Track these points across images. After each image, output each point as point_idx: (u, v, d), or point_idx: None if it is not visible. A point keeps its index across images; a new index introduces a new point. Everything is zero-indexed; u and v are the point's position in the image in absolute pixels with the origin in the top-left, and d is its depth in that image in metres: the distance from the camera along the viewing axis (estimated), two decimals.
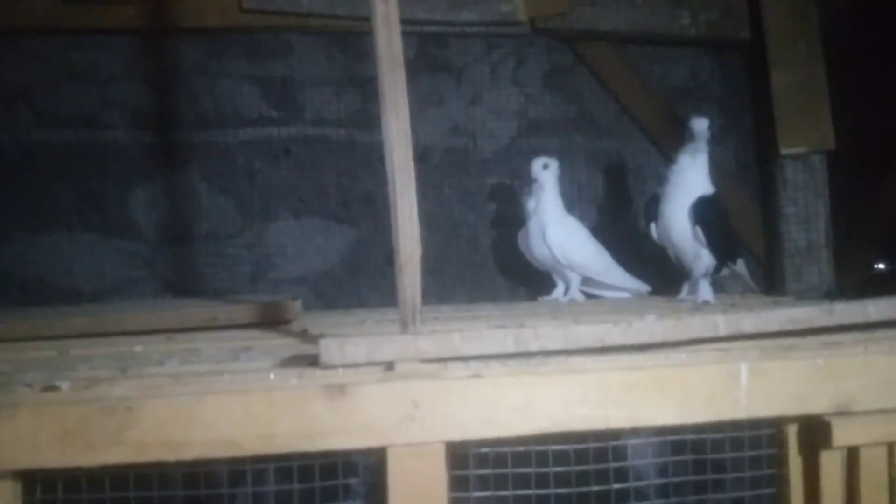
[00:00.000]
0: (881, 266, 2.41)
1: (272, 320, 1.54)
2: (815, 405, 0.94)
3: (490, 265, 2.44)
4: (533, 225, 2.06)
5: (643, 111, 2.49)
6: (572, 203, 2.40)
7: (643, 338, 0.99)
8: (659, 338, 1.00)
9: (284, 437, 0.83)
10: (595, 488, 0.95)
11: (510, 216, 2.38)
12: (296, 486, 0.89)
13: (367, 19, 2.29)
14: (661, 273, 2.48)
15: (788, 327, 1.04)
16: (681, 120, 2.50)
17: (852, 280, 2.16)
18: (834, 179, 2.37)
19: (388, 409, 0.85)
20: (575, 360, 0.95)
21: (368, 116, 2.37)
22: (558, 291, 2.14)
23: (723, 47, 2.50)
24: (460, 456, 0.94)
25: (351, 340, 0.92)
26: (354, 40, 2.35)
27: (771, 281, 2.43)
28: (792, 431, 0.99)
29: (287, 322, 1.58)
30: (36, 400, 0.83)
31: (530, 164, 2.07)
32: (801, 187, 2.36)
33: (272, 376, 0.88)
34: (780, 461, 0.99)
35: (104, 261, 2.27)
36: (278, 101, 2.33)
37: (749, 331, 1.02)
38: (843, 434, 0.94)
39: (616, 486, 0.96)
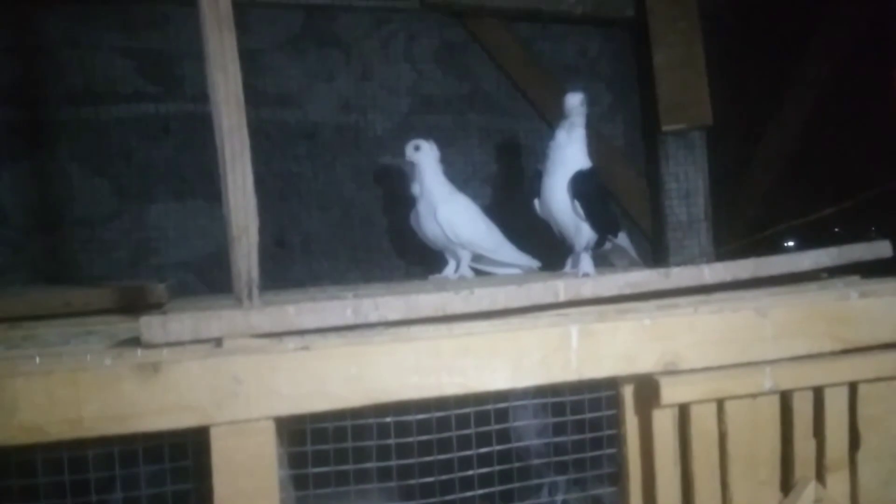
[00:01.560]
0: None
1: (134, 305, 1.46)
2: (644, 365, 0.97)
3: (385, 245, 2.43)
4: (422, 205, 2.05)
5: (535, 88, 2.52)
6: (466, 181, 2.42)
7: (485, 305, 0.99)
8: (500, 305, 1.00)
9: (93, 420, 0.79)
10: (439, 457, 0.95)
11: (404, 195, 2.36)
12: (118, 472, 0.84)
13: None
14: (552, 248, 2.54)
15: (627, 291, 1.07)
16: None
17: (727, 249, 2.26)
18: (713, 155, 2.48)
19: (207, 386, 0.82)
20: (412, 330, 0.94)
21: (253, 91, 2.28)
22: (449, 269, 2.14)
23: (609, 25, 2.55)
24: (297, 432, 0.92)
25: (175, 317, 0.88)
26: (236, 13, 2.26)
27: (656, 254, 2.52)
28: (628, 392, 1.02)
29: (156, 307, 1.51)
30: None
31: (414, 145, 2.05)
32: (681, 163, 2.45)
33: (88, 357, 0.83)
34: (618, 421, 1.02)
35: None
36: (156, 76, 2.22)
37: (588, 296, 1.04)
38: (672, 392, 0.98)
39: (458, 454, 0.96)
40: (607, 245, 2.06)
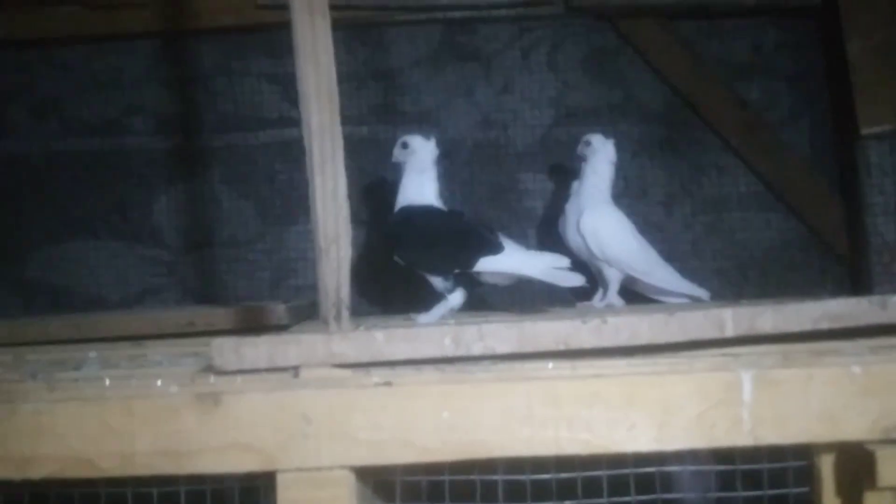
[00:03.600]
0: None
1: (256, 325, 1.41)
2: (852, 429, 0.69)
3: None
4: (570, 210, 1.84)
5: (699, 93, 2.22)
6: (618, 197, 2.16)
7: (622, 339, 0.77)
8: (643, 339, 0.77)
9: (145, 455, 0.68)
10: None
11: (547, 214, 2.17)
12: None
13: (388, 8, 2.20)
14: (720, 274, 2.19)
15: (824, 326, 0.79)
16: (742, 101, 2.22)
17: None
18: None
19: (273, 424, 0.68)
20: (525, 367, 0.75)
21: (391, 111, 2.24)
22: (597, 296, 1.89)
23: (789, 15, 2.20)
24: (384, 485, 0.76)
25: (248, 341, 0.76)
26: (375, 32, 2.23)
27: (856, 283, 2.09)
28: (826, 465, 0.74)
29: (278, 328, 1.45)
30: None
31: (584, 139, 1.85)
32: (888, 172, 2.03)
33: (159, 383, 0.74)
34: (812, 501, 0.75)
35: (129, 268, 2.25)
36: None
37: (767, 330, 0.78)
38: (893, 469, 0.68)
39: None
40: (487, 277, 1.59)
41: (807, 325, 0.78)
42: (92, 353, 1.16)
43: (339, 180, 0.82)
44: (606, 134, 1.86)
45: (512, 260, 1.53)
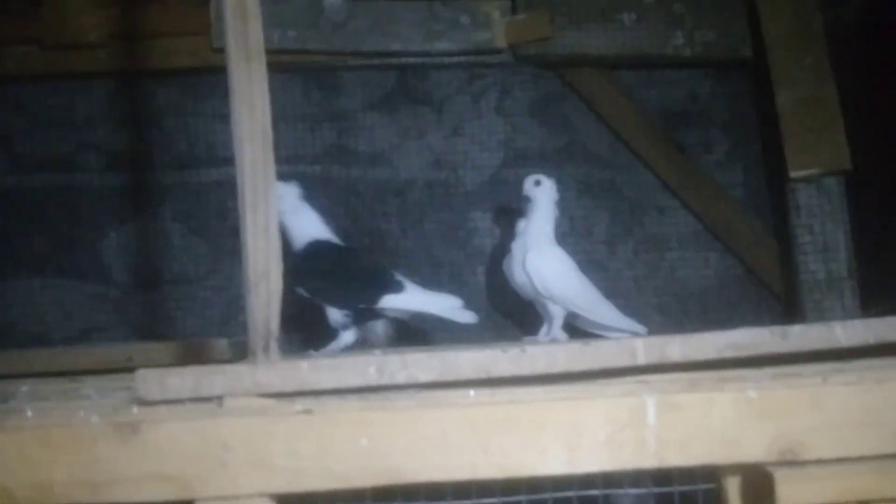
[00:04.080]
0: None
1: (198, 361, 1.41)
2: (751, 452, 0.73)
3: (477, 306, 2.27)
4: (516, 250, 1.90)
5: (639, 139, 2.33)
6: (564, 236, 2.23)
7: (539, 367, 0.81)
8: (560, 367, 0.81)
9: (63, 485, 0.68)
10: None
11: (495, 252, 2.22)
12: None
13: (342, 53, 2.27)
14: (663, 312, 2.26)
15: (729, 355, 0.84)
16: (680, 146, 2.33)
17: (879, 311, 1.89)
18: (856, 203, 2.14)
19: (192, 453, 0.69)
20: (444, 395, 0.78)
21: (344, 151, 2.29)
22: (543, 331, 1.94)
23: (723, 67, 2.33)
24: None
25: (173, 371, 0.78)
26: (331, 76, 2.29)
27: (791, 317, 2.17)
28: (732, 486, 0.77)
29: (223, 362, 1.45)
30: None
31: (524, 181, 1.91)
32: (816, 213, 2.13)
33: (81, 413, 0.74)
34: None
35: (74, 306, 2.22)
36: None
37: (676, 359, 0.82)
38: (791, 490, 0.72)
39: None
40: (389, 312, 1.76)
41: (712, 354, 0.83)
42: (24, 387, 1.14)
43: (270, 218, 0.85)
44: (549, 175, 1.93)
45: (413, 298, 1.71)
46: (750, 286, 2.26)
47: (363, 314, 1.69)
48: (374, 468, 0.70)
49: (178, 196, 2.26)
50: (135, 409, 0.77)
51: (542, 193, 1.89)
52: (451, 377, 0.80)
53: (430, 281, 2.26)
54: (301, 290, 1.69)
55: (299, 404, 0.76)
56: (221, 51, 2.29)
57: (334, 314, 1.70)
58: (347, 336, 1.69)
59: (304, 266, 1.69)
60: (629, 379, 0.84)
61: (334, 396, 0.79)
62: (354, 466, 0.70)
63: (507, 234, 2.03)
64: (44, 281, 2.22)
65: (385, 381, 0.79)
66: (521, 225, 1.92)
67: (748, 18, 2.27)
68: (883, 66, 2.12)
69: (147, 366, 1.32)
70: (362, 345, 1.76)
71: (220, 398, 0.77)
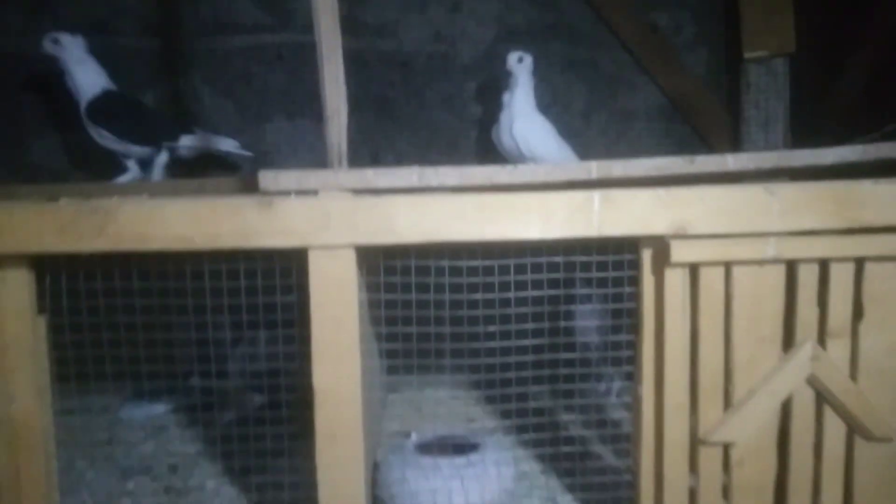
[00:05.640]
0: None
1: (250, 190, 1.78)
2: (657, 228, 1.15)
3: (469, 163, 2.65)
4: (503, 118, 2.24)
5: (618, 19, 2.62)
6: (547, 107, 2.58)
7: (527, 178, 1.21)
8: (540, 178, 1.21)
9: (226, 235, 1.09)
10: (486, 296, 1.20)
11: (485, 119, 2.57)
12: (242, 282, 1.16)
13: None
14: None
15: (653, 173, 1.24)
16: (654, 27, 2.63)
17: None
18: (795, 83, 2.49)
19: (306, 218, 1.10)
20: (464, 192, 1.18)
21: (356, 23, 2.56)
22: None
23: None
24: (374, 266, 1.19)
25: (284, 172, 1.17)
26: None
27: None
28: (647, 254, 1.21)
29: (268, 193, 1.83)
30: (41, 205, 1.10)
31: (507, 57, 2.22)
32: (762, 90, 2.50)
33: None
34: (637, 280, 1.22)
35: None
36: (271, 9, 2.53)
37: (618, 175, 1.23)
38: (681, 252, 1.16)
39: (499, 295, 1.20)
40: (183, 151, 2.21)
41: (642, 172, 1.23)
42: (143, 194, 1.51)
43: (339, 69, 1.20)
44: (531, 52, 2.25)
45: (204, 139, 2.22)
46: (703, 154, 2.65)
47: (156, 153, 2.12)
48: (421, 230, 1.11)
49: (207, 61, 2.53)
50: (256, 196, 1.16)
51: (524, 68, 2.21)
52: (467, 182, 1.20)
53: (430, 143, 2.63)
54: (103, 132, 2.08)
55: (368, 195, 1.15)
56: None
57: (131, 151, 2.11)
58: (134, 171, 2.13)
59: (106, 110, 2.07)
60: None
61: (388, 193, 1.19)
62: (410, 229, 1.11)
63: (496, 105, 2.36)
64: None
65: (423, 183, 1.19)
66: (506, 97, 2.25)
67: None
68: None
69: (216, 194, 1.70)
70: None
71: (315, 191, 1.17)
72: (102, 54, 2.48)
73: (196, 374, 1.86)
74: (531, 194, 1.13)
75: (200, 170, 2.37)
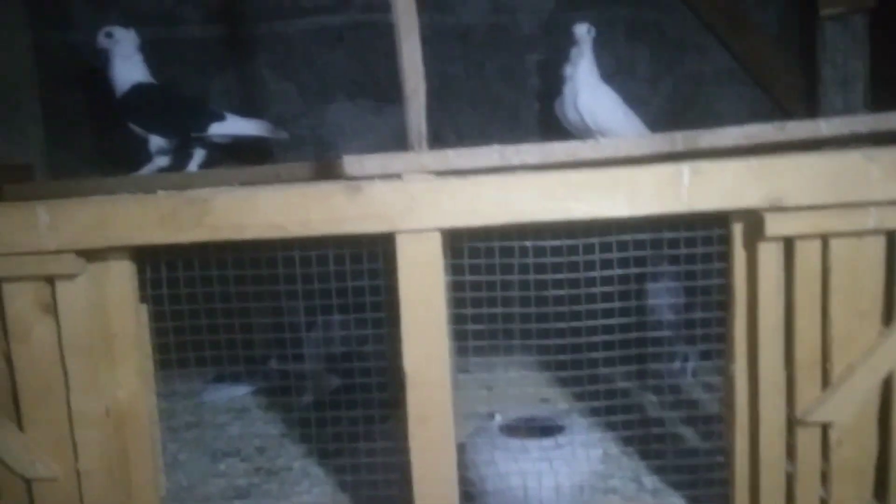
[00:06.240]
0: None
1: (326, 176, 1.81)
2: (750, 200, 1.12)
3: (532, 139, 2.60)
4: (567, 91, 2.20)
5: None
6: (611, 75, 2.51)
7: (609, 152, 1.19)
8: (624, 152, 1.19)
9: (317, 222, 1.11)
10: (568, 276, 1.19)
11: (547, 92, 2.52)
12: (332, 268, 1.18)
13: None
14: None
15: (742, 142, 1.20)
16: None
17: None
18: (876, 40, 2.36)
19: (393, 202, 1.11)
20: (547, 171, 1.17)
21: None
22: None
23: None
24: (457, 249, 1.20)
25: (368, 157, 1.18)
26: None
27: None
28: (738, 228, 1.17)
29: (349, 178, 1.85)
30: (141, 198, 1.14)
31: (573, 29, 2.17)
32: (840, 48, 2.37)
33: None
34: (728, 255, 1.19)
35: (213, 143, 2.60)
36: None
37: (705, 146, 1.19)
38: (775, 225, 1.12)
39: (584, 274, 1.19)
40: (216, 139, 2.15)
41: (730, 142, 1.19)
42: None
43: (416, 52, 1.19)
44: (598, 19, 2.19)
45: (234, 124, 2.14)
46: (777, 118, 2.53)
47: (190, 142, 2.09)
48: (506, 211, 1.11)
49: (270, 45, 2.56)
50: (342, 182, 1.17)
51: (589, 39, 2.16)
52: (549, 160, 1.18)
53: (490, 118, 2.60)
54: (134, 127, 2.06)
55: (451, 176, 1.15)
56: None
57: (158, 142, 2.08)
58: (161, 160, 2.10)
59: (134, 104, 2.06)
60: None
61: (472, 173, 1.19)
62: (495, 210, 1.11)
63: (557, 77, 2.32)
64: None
65: (505, 162, 1.18)
66: (569, 69, 2.20)
67: None
68: None
69: (290, 180, 1.73)
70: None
71: (398, 175, 1.17)
72: (168, 45, 2.55)
73: (274, 358, 1.92)
74: (617, 170, 1.11)
75: (235, 154, 2.41)
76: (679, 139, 1.19)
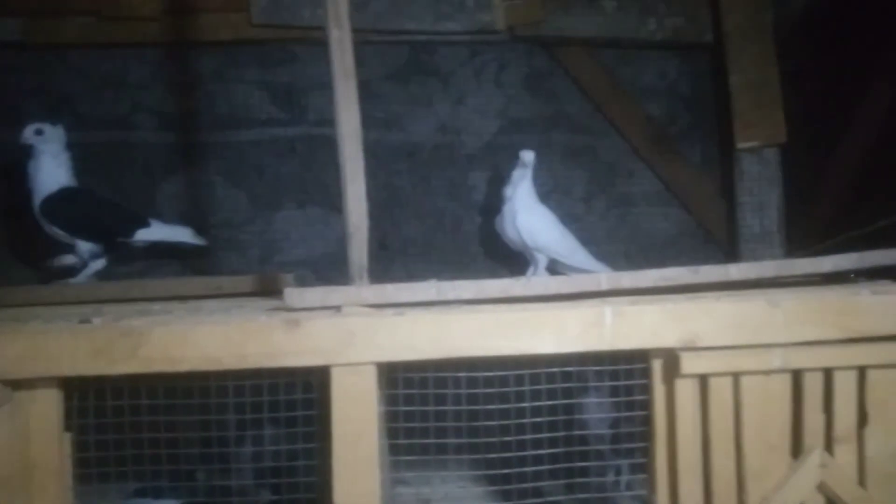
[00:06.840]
0: None
1: (269, 290, 1.84)
2: (667, 341, 1.20)
3: (473, 249, 2.72)
4: (507, 210, 2.33)
5: (615, 110, 2.74)
6: (548, 193, 2.67)
7: (539, 290, 1.26)
8: (553, 290, 1.27)
9: (254, 356, 1.13)
10: (500, 406, 1.23)
11: (489, 206, 2.65)
12: (265, 398, 1.19)
13: (363, 30, 2.63)
14: (627, 258, 2.74)
15: (661, 284, 1.30)
16: (649, 117, 2.75)
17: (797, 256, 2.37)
18: (787, 170, 2.60)
19: (331, 337, 1.14)
20: (481, 307, 1.23)
21: (365, 117, 2.66)
22: (530, 272, 2.40)
23: (688, 50, 2.73)
24: (392, 379, 1.23)
25: (308, 289, 1.22)
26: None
27: (731, 262, 2.65)
28: (657, 365, 1.25)
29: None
30: (75, 328, 1.14)
31: (520, 154, 2.31)
32: (756, 178, 2.59)
33: (260, 315, 1.18)
34: (649, 389, 1.26)
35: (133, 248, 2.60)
36: (284, 105, 2.65)
37: (627, 286, 1.29)
38: (690, 364, 1.20)
39: (514, 405, 1.24)
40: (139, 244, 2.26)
41: (650, 283, 1.29)
42: (156, 305, 1.57)
43: (361, 189, 1.27)
44: (537, 141, 2.35)
45: (158, 231, 2.24)
46: (700, 238, 2.72)
47: (115, 246, 2.14)
48: (441, 347, 1.16)
49: (221, 153, 2.63)
50: (282, 314, 1.21)
51: (531, 164, 2.31)
52: (483, 296, 1.25)
53: (435, 229, 2.70)
54: (57, 230, 2.05)
55: (390, 311, 1.20)
56: (260, 26, 2.65)
57: (86, 247, 2.12)
58: (97, 264, 2.13)
59: (60, 208, 2.06)
60: (595, 300, 1.30)
61: (409, 307, 1.24)
62: (430, 346, 1.16)
63: (499, 194, 2.45)
64: None
65: (441, 297, 1.24)
66: (509, 190, 2.34)
67: (711, 8, 2.66)
68: (817, 57, 2.54)
69: (231, 293, 1.76)
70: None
71: (338, 307, 1.22)
72: (119, 149, 2.59)
73: (201, 471, 1.86)
74: (545, 310, 1.18)
75: (155, 254, 2.45)
76: (603, 280, 1.28)
